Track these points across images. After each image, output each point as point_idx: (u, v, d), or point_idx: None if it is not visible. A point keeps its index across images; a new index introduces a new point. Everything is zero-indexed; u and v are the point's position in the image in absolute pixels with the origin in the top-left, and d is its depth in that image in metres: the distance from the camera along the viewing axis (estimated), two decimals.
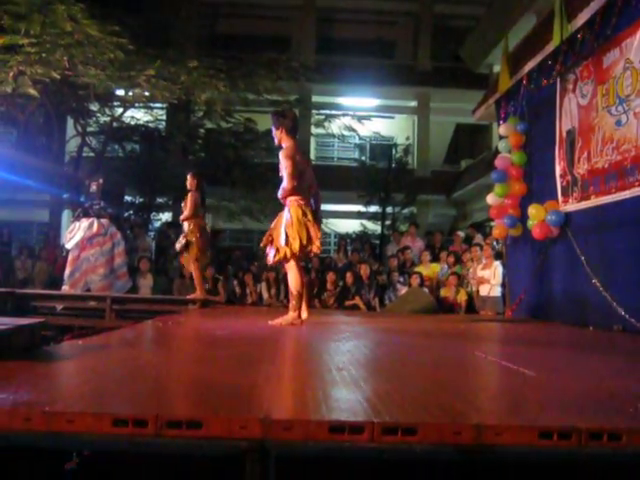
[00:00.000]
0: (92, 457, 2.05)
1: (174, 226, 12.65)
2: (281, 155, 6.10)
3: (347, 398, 2.44)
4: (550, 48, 8.14)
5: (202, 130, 17.19)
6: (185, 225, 8.99)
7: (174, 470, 2.05)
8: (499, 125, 10.09)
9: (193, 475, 2.06)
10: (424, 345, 4.95)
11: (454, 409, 2.32)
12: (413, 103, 24.22)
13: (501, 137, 9.86)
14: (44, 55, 10.20)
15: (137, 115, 16.93)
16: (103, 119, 16.13)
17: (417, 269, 11.48)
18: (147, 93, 12.05)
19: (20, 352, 3.32)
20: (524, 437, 2.05)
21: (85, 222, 10.10)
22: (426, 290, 10.92)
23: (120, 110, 15.57)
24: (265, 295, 11.33)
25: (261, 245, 6.46)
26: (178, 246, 9.00)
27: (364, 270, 11.29)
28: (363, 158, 23.11)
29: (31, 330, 3.53)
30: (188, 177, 9.13)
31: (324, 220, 8.01)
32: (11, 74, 10.27)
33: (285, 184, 6.06)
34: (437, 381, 3.04)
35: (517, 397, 2.75)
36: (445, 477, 2.07)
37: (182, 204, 9.10)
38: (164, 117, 18.02)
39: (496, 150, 10.48)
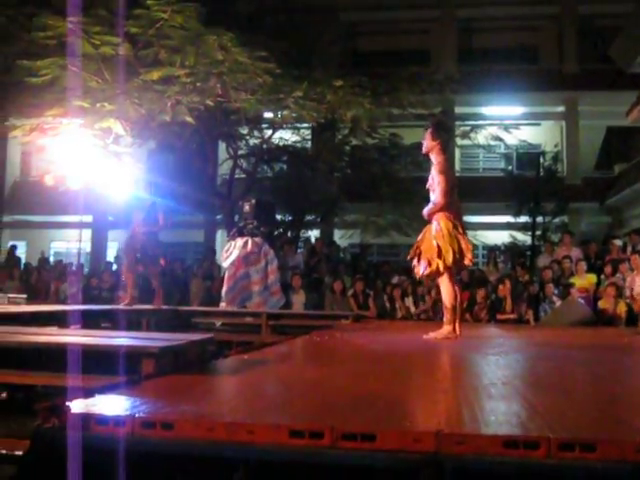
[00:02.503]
0: (257, 468, 2.15)
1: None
2: (434, 170, 6.07)
3: (517, 413, 2.41)
4: None
5: (348, 147, 17.42)
6: None
7: None
8: None
9: None
10: (589, 359, 4.77)
11: (632, 424, 2.24)
12: (560, 108, 23.44)
13: None
14: (198, 84, 10.73)
15: (285, 136, 17.41)
16: (253, 141, 16.70)
17: (572, 280, 11.07)
18: (295, 114, 12.37)
19: (193, 365, 3.51)
20: None
21: (240, 241, 10.50)
22: (583, 302, 10.50)
23: (269, 132, 16.09)
24: (413, 309, 11.30)
25: (408, 258, 6.45)
26: None
27: (517, 283, 11.02)
28: (510, 167, 22.60)
29: (202, 344, 3.72)
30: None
31: (472, 232, 7.90)
32: (169, 104, 10.86)
33: (437, 199, 6.00)
34: (610, 395, 2.93)
35: None
36: None
37: None
38: (310, 137, 18.43)
39: None
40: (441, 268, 5.99)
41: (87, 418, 2.22)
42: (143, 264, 9.19)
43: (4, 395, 4.86)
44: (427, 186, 6.22)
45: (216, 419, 2.22)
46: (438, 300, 8.91)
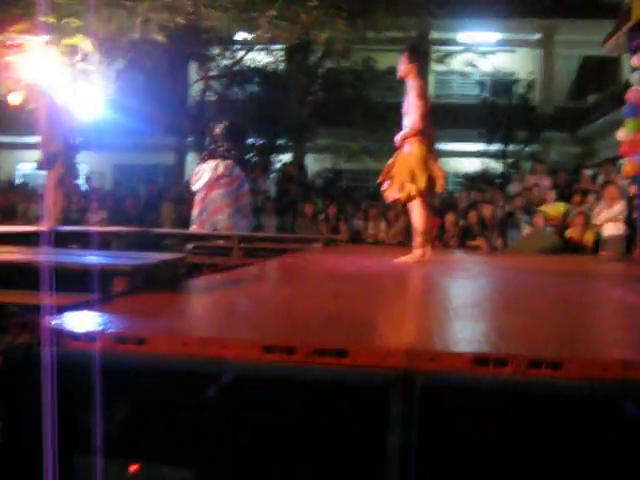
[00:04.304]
0: (230, 385, 2.17)
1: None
2: (411, 94, 6.00)
3: (486, 332, 2.46)
4: None
5: (321, 70, 17.15)
6: None
7: (319, 397, 2.14)
8: (631, 56, 9.52)
9: (338, 402, 2.14)
10: (556, 284, 4.85)
11: (596, 344, 2.30)
12: (537, 36, 23.18)
13: (634, 69, 9.31)
14: (169, 0, 10.41)
15: (258, 57, 17.09)
16: (225, 62, 16.39)
17: (541, 208, 11.18)
18: (268, 34, 12.10)
19: (164, 284, 3.51)
20: None
21: (211, 163, 10.37)
22: (551, 230, 10.63)
23: (241, 53, 15.78)
24: (383, 234, 11.36)
25: (378, 180, 6.43)
26: None
27: (487, 210, 11.09)
28: (484, 95, 22.48)
29: (173, 264, 3.71)
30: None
31: (444, 159, 7.88)
32: (138, 21, 10.54)
33: (413, 123, 5.95)
34: (576, 318, 2.99)
35: None
36: (589, 412, 2.06)
37: None
38: (283, 58, 18.11)
39: (627, 83, 9.94)
40: (413, 193, 6.00)
41: (59, 333, 2.22)
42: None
43: None
44: (403, 111, 6.16)
45: (190, 334, 2.23)
46: (408, 225, 8.96)
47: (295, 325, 2.53)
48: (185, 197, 13.27)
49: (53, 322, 2.31)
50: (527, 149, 19.60)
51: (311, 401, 2.17)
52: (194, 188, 10.73)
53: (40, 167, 8.48)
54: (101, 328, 2.25)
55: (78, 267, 3.37)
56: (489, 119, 18.99)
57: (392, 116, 8.53)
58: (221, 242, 9.37)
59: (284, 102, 16.49)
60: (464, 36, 21.98)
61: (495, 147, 19.34)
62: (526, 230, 10.84)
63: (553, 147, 22.65)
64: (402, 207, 9.62)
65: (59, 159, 8.30)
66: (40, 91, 9.75)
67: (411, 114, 5.98)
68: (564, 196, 11.76)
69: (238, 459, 2.16)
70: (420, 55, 6.14)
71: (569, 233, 10.70)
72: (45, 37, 10.25)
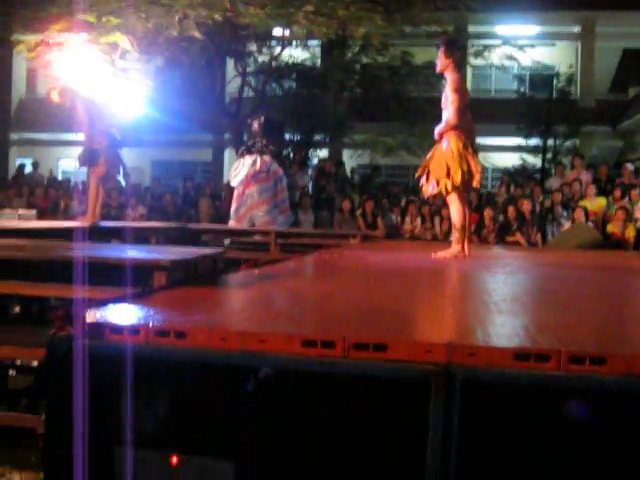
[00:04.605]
0: (268, 378, 2.17)
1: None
2: (448, 88, 5.96)
3: (527, 327, 2.43)
4: None
5: (358, 66, 17.11)
6: None
7: (358, 391, 2.14)
8: None
9: (378, 396, 2.13)
10: (597, 279, 4.78)
11: None
12: (576, 28, 22.82)
13: None
14: None
15: (294, 54, 17.11)
16: (262, 59, 16.44)
17: (582, 203, 11.02)
18: (305, 30, 12.11)
19: (203, 279, 3.54)
20: None
21: (249, 159, 10.42)
22: (591, 225, 10.49)
23: (278, 49, 15.81)
24: (420, 230, 11.31)
25: (416, 176, 6.40)
26: None
27: (526, 205, 10.97)
28: (522, 89, 22.21)
29: (213, 259, 3.74)
30: None
31: (482, 154, 7.81)
32: (176, 18, 10.63)
33: (449, 117, 5.91)
34: (618, 313, 2.95)
35: None
36: (634, 409, 2.02)
37: None
38: (320, 54, 18.10)
39: None
40: (449, 188, 5.96)
41: (101, 327, 2.25)
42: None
43: (17, 309, 4.94)
44: (441, 105, 6.12)
45: (229, 328, 2.24)
46: (447, 221, 8.91)
47: (334, 319, 2.53)
48: (222, 193, 13.35)
49: (94, 315, 2.34)
50: (567, 143, 19.32)
51: (350, 395, 2.16)
52: (232, 184, 10.79)
53: (81, 164, 8.59)
54: (142, 321, 2.27)
55: (119, 262, 3.42)
56: (528, 113, 18.74)
57: (430, 110, 8.47)
58: (258, 238, 9.42)
59: (321, 98, 16.49)
60: (502, 29, 21.74)
61: (534, 142, 19.10)
62: (566, 225, 10.70)
63: (593, 141, 22.31)
64: (441, 202, 9.60)
65: (102, 156, 8.36)
66: (80, 88, 9.87)
67: (448, 108, 5.95)
68: (605, 191, 11.58)
69: (276, 452, 2.17)
70: (458, 49, 6.10)
71: (610, 228, 10.53)
72: (84, 35, 10.39)
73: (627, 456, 1.95)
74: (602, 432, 2.01)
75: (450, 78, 6.01)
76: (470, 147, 6.03)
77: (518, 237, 10.62)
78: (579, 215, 10.39)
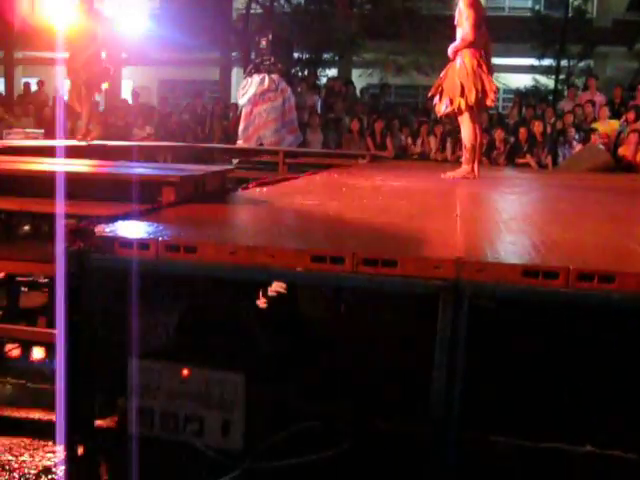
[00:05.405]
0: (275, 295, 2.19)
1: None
2: (462, 3, 5.79)
3: (536, 245, 2.42)
4: None
5: None
6: None
7: (373, 306, 2.16)
8: None
9: (388, 311, 2.15)
10: (607, 200, 4.75)
11: None
12: None
13: None
14: None
15: None
16: None
17: (594, 125, 10.86)
18: None
19: (212, 196, 3.53)
20: None
21: (257, 78, 10.27)
22: (603, 147, 10.36)
23: None
24: (432, 149, 11.19)
25: (429, 95, 6.31)
26: None
27: (537, 127, 10.82)
28: (537, 7, 21.61)
29: (222, 175, 3.72)
30: None
31: (494, 74, 7.65)
32: None
33: (465, 34, 5.76)
34: (628, 233, 2.93)
35: None
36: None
37: None
38: None
39: None
40: (463, 107, 5.87)
41: (112, 241, 2.26)
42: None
43: (27, 227, 4.95)
44: (455, 22, 5.97)
45: (238, 243, 2.24)
46: (458, 141, 8.80)
47: (343, 236, 2.53)
48: (230, 113, 13.19)
49: (105, 229, 2.35)
50: (580, 64, 18.90)
51: (359, 309, 2.19)
52: (240, 102, 10.67)
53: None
54: (152, 236, 2.27)
55: (129, 178, 3.40)
56: (542, 33, 18.27)
57: (442, 29, 8.25)
58: (267, 157, 9.36)
59: (330, 15, 16.09)
60: None
61: (547, 62, 18.69)
62: (577, 148, 10.58)
63: (609, 62, 21.81)
64: (451, 123, 9.48)
65: (103, 75, 8.24)
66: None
67: (462, 25, 5.79)
68: (619, 113, 11.38)
69: (282, 362, 2.21)
70: None
71: (622, 151, 10.40)
72: None
73: (633, 371, 1.98)
74: (609, 349, 2.04)
75: None
76: (485, 65, 5.91)
77: (528, 159, 10.52)
78: (591, 137, 10.26)
